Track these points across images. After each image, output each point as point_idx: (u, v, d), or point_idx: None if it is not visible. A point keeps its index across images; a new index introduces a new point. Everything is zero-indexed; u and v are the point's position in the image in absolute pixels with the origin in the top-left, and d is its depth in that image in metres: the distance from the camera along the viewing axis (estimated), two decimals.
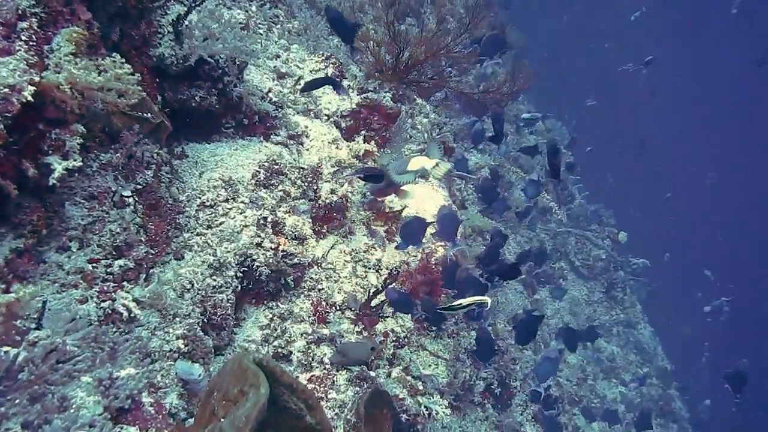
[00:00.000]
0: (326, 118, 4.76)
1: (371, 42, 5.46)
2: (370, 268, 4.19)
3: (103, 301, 2.58)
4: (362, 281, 4.08)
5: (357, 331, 3.84)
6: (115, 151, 2.76)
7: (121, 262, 2.72)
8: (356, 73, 5.41)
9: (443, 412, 4.03)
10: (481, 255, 5.18)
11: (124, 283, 2.72)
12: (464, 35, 5.73)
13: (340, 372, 3.56)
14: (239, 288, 3.39)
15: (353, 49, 4.39)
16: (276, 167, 3.79)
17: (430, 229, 4.29)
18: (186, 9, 3.27)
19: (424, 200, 4.95)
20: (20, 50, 2.24)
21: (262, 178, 3.69)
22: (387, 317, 4.06)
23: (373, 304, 3.92)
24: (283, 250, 3.60)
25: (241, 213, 3.45)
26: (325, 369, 3.53)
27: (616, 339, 11.08)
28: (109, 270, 2.66)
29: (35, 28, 2.31)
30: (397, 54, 5.48)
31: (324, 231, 4.13)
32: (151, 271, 2.92)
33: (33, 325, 2.18)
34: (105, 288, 2.61)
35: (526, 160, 9.83)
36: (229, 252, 3.29)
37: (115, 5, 2.91)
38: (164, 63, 3.30)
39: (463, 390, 5.04)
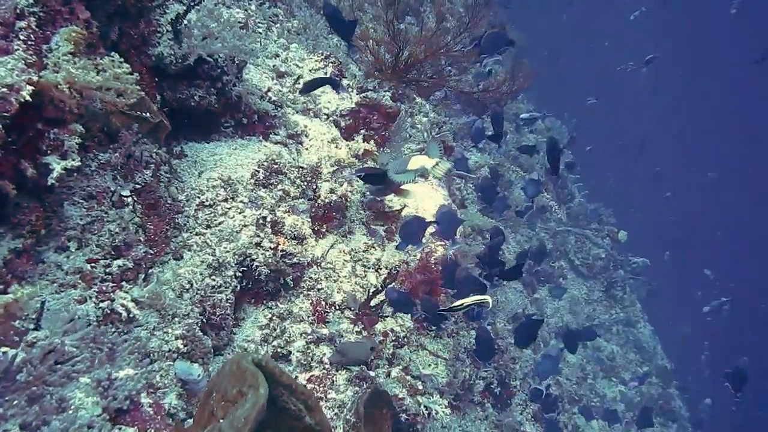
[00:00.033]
0: (326, 117, 4.76)
1: (371, 41, 5.45)
2: (369, 268, 4.19)
3: (102, 301, 2.57)
4: (362, 281, 4.08)
5: (356, 331, 3.83)
6: (114, 150, 2.75)
7: (119, 262, 2.71)
8: (356, 72, 5.40)
9: (443, 412, 4.03)
10: (480, 254, 5.17)
11: (123, 283, 2.71)
12: (464, 34, 5.72)
13: (339, 372, 3.55)
14: (238, 288, 3.39)
15: (351, 46, 4.38)
16: (275, 167, 3.78)
17: (430, 229, 4.28)
18: (185, 8, 3.26)
19: (423, 199, 4.94)
20: (18, 49, 2.23)
21: (261, 178, 3.68)
22: (386, 317, 4.05)
23: (372, 303, 3.91)
24: (282, 250, 3.59)
25: (240, 212, 3.45)
26: (324, 369, 3.53)
27: (615, 338, 11.08)
28: (107, 270, 2.65)
29: (33, 27, 2.31)
30: (397, 53, 5.47)
31: (323, 230, 4.12)
32: (150, 271, 2.91)
33: (31, 326, 2.18)
34: (104, 288, 2.60)
35: (525, 159, 9.83)
36: (228, 252, 3.28)
37: (114, 4, 2.90)
38: (163, 62, 3.29)
39: (462, 389, 5.04)
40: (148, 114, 2.91)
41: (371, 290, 3.92)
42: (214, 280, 3.18)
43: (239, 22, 3.78)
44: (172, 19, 3.25)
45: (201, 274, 3.13)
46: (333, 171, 4.24)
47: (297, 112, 4.51)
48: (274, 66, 4.69)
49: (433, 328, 4.45)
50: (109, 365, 2.28)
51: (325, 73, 4.97)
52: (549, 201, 10.43)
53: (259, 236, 3.47)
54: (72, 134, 2.38)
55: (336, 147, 4.40)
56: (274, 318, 3.60)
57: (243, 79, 3.90)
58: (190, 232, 3.27)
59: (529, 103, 11.91)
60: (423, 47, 5.57)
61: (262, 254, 3.45)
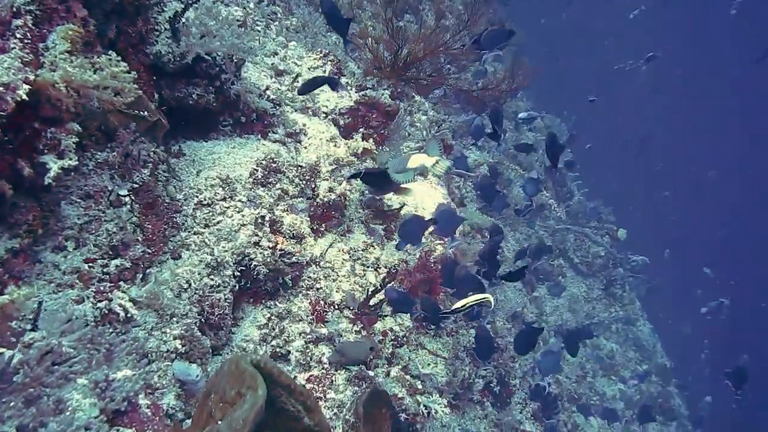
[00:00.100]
0: (324, 115, 4.74)
1: (369, 39, 5.44)
2: (368, 267, 4.17)
3: (100, 301, 2.56)
4: (361, 280, 4.06)
5: (356, 331, 3.82)
6: (112, 149, 2.73)
7: (117, 261, 2.70)
8: (354, 70, 5.39)
9: (442, 411, 4.02)
10: (480, 252, 5.16)
11: (121, 283, 2.70)
12: (463, 32, 5.71)
13: (338, 372, 3.54)
14: (237, 287, 3.37)
15: (347, 42, 4.37)
16: (274, 165, 3.77)
17: (430, 228, 4.26)
18: (183, 6, 3.25)
19: (422, 198, 4.93)
20: (15, 48, 2.22)
21: (259, 177, 3.66)
22: (386, 316, 4.04)
23: (371, 303, 3.90)
24: (281, 249, 3.58)
25: (238, 212, 3.43)
26: (323, 369, 3.51)
27: (615, 336, 11.08)
28: (105, 270, 2.64)
29: (30, 25, 2.29)
30: (396, 51, 5.46)
31: (322, 229, 4.11)
32: (147, 270, 2.90)
33: (28, 326, 2.16)
34: (101, 288, 2.59)
35: (524, 157, 9.82)
36: (226, 251, 3.27)
37: (112, 2, 2.89)
38: (161, 60, 3.28)
39: (462, 388, 5.03)
40: (145, 113, 2.90)
41: (370, 289, 3.91)
42: (212, 279, 3.17)
43: (237, 20, 3.77)
44: (170, 17, 3.24)
45: (199, 273, 3.11)
46: (332, 170, 4.22)
47: (296, 111, 4.50)
48: (272, 64, 4.67)
49: (433, 327, 4.44)
50: (107, 366, 2.27)
51: (324, 72, 4.96)
52: (548, 199, 10.42)
53: (257, 235, 3.45)
54: (69, 133, 2.36)
55: (335, 145, 4.39)
56: (272, 317, 3.58)
57: (241, 78, 3.89)
58: (189, 232, 3.26)
59: (528, 101, 11.89)
60: (422, 45, 5.56)
61: (260, 253, 3.44)
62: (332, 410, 3.38)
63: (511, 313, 7.72)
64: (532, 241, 9.18)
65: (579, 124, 16.02)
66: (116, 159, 2.74)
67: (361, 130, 4.84)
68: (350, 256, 4.13)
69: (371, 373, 3.70)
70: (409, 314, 4.13)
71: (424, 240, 4.43)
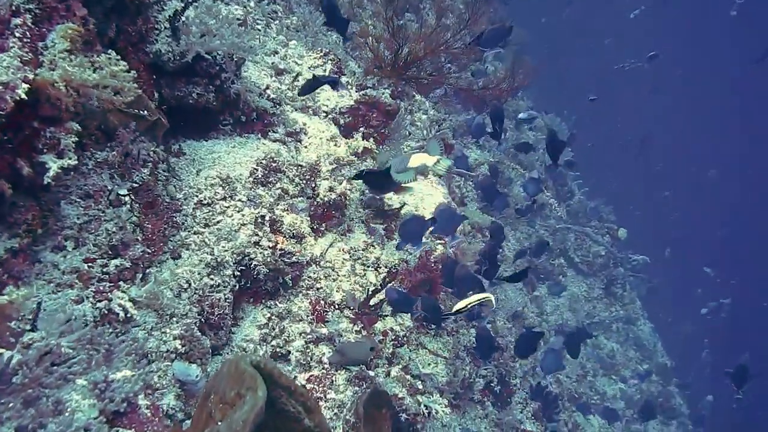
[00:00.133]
0: (325, 114, 4.73)
1: (370, 38, 5.42)
2: (369, 267, 4.16)
3: (99, 301, 2.55)
4: (361, 280, 4.05)
5: (356, 330, 3.80)
6: (111, 149, 2.73)
7: (117, 261, 2.69)
8: (355, 69, 5.38)
9: (443, 411, 4.01)
10: (481, 252, 5.15)
11: (121, 282, 2.69)
12: (464, 31, 5.70)
13: (339, 372, 3.53)
14: (237, 287, 3.36)
15: (346, 39, 4.36)
16: (274, 165, 3.76)
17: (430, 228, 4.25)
18: (183, 5, 3.24)
19: (423, 198, 4.92)
20: (14, 47, 2.21)
21: (259, 176, 3.65)
22: (386, 316, 4.03)
23: (372, 302, 3.89)
24: (281, 249, 3.56)
25: (238, 211, 3.42)
26: (323, 369, 3.50)
27: (615, 335, 11.08)
28: (105, 270, 2.63)
29: (29, 24, 2.28)
30: (396, 50, 5.45)
31: (322, 229, 4.10)
32: (147, 270, 2.89)
33: (28, 327, 2.15)
34: (101, 288, 2.58)
35: (525, 156, 9.81)
36: (226, 251, 3.26)
37: (112, 1, 2.87)
38: (161, 59, 3.27)
39: (462, 388, 5.02)
40: (145, 112, 2.89)
41: (371, 289, 3.90)
42: (212, 279, 3.16)
43: (238, 19, 3.76)
44: (170, 15, 3.22)
45: (199, 273, 3.10)
46: (332, 169, 4.21)
47: (296, 110, 4.49)
48: (272, 63, 4.66)
49: (433, 327, 4.43)
50: (106, 367, 2.26)
51: (324, 70, 4.94)
52: (549, 199, 10.42)
53: (257, 235, 3.44)
54: (68, 132, 2.36)
55: (335, 145, 4.38)
56: (272, 317, 3.57)
57: (241, 77, 3.88)
58: (188, 231, 3.25)
59: (528, 101, 11.88)
60: (423, 44, 5.55)
61: (260, 253, 3.43)
62: (332, 410, 3.38)
63: (511, 312, 7.71)
64: (532, 240, 9.17)
65: (579, 124, 16.01)
66: (116, 158, 2.73)
67: (361, 129, 4.83)
68: (350, 256, 4.12)
69: (371, 373, 3.70)
70: (409, 314, 4.12)
71: (424, 240, 4.42)
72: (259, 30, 4.96)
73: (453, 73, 6.40)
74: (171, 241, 3.15)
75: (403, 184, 4.17)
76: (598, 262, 10.93)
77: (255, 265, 3.41)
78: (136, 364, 2.50)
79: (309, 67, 4.89)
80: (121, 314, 2.60)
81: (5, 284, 2.27)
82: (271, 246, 3.50)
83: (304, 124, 4.35)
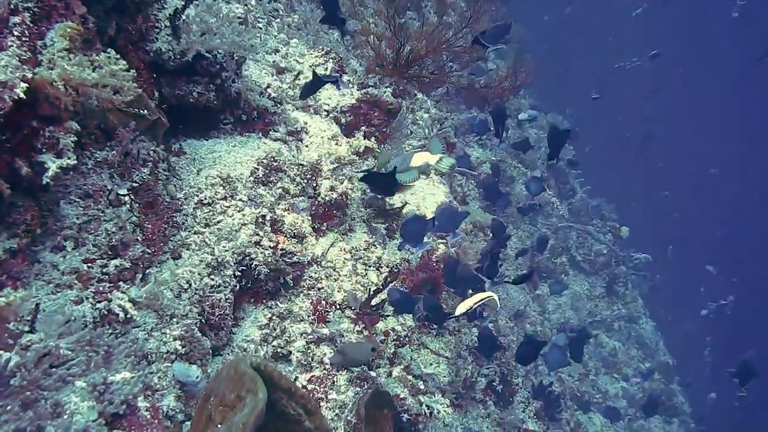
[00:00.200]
0: (326, 113, 4.71)
1: (371, 36, 5.40)
2: (370, 266, 4.15)
3: (99, 301, 2.53)
4: (363, 279, 4.04)
5: (357, 331, 3.79)
6: (111, 148, 2.71)
7: (117, 261, 2.67)
8: (356, 68, 5.36)
9: (444, 411, 3.99)
10: (482, 251, 5.13)
11: (120, 283, 2.68)
12: (465, 29, 5.68)
13: (340, 372, 3.51)
14: (237, 287, 3.34)
15: (344, 33, 4.33)
16: (275, 164, 3.74)
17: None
18: (183, 3, 3.22)
19: (425, 197, 4.90)
20: (12, 46, 2.19)
21: (260, 176, 3.64)
22: (388, 316, 4.01)
23: (373, 302, 3.87)
24: (282, 249, 3.55)
25: (239, 211, 3.40)
26: (325, 369, 3.49)
27: (617, 334, 11.08)
28: (104, 270, 2.62)
29: (28, 23, 2.26)
30: (398, 48, 5.43)
31: (323, 229, 4.08)
32: (147, 270, 2.88)
33: (26, 328, 2.14)
34: (101, 288, 2.56)
35: (527, 154, 9.80)
36: (227, 251, 3.24)
37: None
38: (161, 58, 3.25)
39: (464, 387, 5.00)
40: (145, 111, 2.87)
41: (372, 289, 3.88)
42: (212, 279, 3.14)
43: (238, 18, 3.74)
44: (170, 14, 3.21)
45: (199, 273, 3.09)
46: (333, 168, 4.19)
47: (297, 109, 4.47)
48: (273, 62, 4.64)
49: (435, 326, 4.42)
50: (105, 368, 2.24)
51: (326, 69, 4.92)
52: (551, 197, 10.40)
53: (258, 235, 3.42)
54: (67, 132, 2.34)
55: (336, 144, 4.36)
56: (273, 317, 3.55)
57: (242, 75, 3.86)
58: (189, 231, 3.23)
59: (530, 99, 11.86)
60: (424, 42, 5.52)
61: (261, 253, 3.41)
62: (334, 411, 3.36)
63: (513, 311, 7.70)
64: (533, 239, 9.16)
65: (581, 122, 16.00)
66: (116, 158, 2.71)
67: (362, 128, 4.81)
68: (352, 256, 4.10)
69: (373, 374, 3.68)
70: (411, 314, 4.10)
71: (426, 239, 4.40)
72: (260, 28, 4.94)
73: (455, 72, 6.38)
74: (171, 241, 3.13)
75: (405, 184, 4.15)
76: (600, 260, 10.92)
77: (256, 265, 3.39)
78: (135, 365, 2.48)
79: (310, 66, 4.87)
80: (121, 315, 2.59)
81: (4, 285, 2.26)
82: (272, 246, 3.48)
83: (305, 123, 4.34)
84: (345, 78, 4.99)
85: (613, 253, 11.10)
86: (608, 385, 9.87)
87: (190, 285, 3.02)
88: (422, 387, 4.00)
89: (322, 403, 3.38)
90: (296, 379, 3.41)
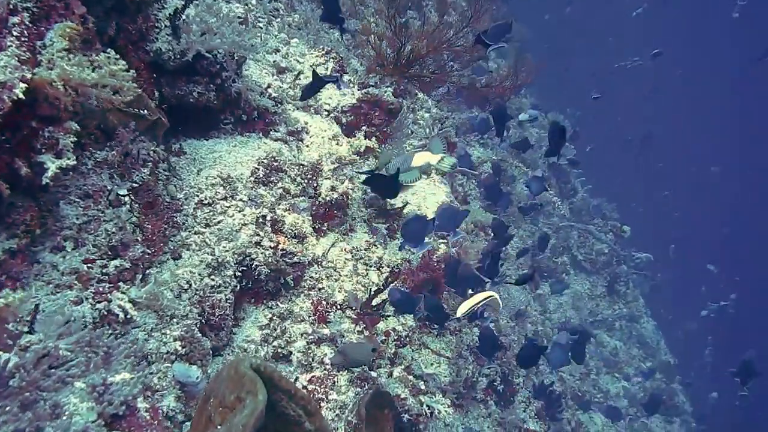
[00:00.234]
0: (326, 113, 4.70)
1: (372, 35, 5.39)
2: (371, 266, 4.14)
3: (99, 302, 2.53)
4: (363, 279, 4.03)
5: (358, 331, 3.78)
6: (111, 148, 2.70)
7: (116, 262, 2.66)
8: (357, 68, 5.35)
9: (445, 411, 3.99)
10: (484, 250, 5.12)
11: (120, 283, 2.67)
12: (466, 29, 5.67)
13: (341, 373, 3.50)
14: (238, 287, 3.34)
15: (343, 30, 4.32)
16: (275, 164, 3.73)
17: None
18: (183, 3, 3.22)
19: (425, 197, 4.89)
20: (12, 46, 2.19)
21: (261, 176, 3.63)
22: (388, 316, 4.00)
23: (374, 303, 3.87)
24: (282, 249, 3.54)
25: (239, 211, 3.40)
26: (325, 370, 3.48)
27: (618, 333, 11.07)
28: (104, 270, 2.61)
29: (27, 23, 2.26)
30: (399, 48, 5.42)
31: (324, 229, 4.07)
32: (147, 271, 2.87)
33: (25, 329, 2.13)
34: (100, 289, 2.56)
35: (528, 154, 9.79)
36: (227, 251, 3.23)
37: None
38: (161, 58, 3.25)
39: (465, 387, 5.00)
40: (145, 111, 2.87)
41: (373, 289, 3.87)
42: (213, 279, 3.14)
43: (239, 17, 3.73)
44: (170, 14, 3.20)
45: (200, 274, 3.08)
46: (334, 168, 4.18)
47: (297, 109, 4.46)
48: (274, 61, 4.64)
49: (436, 327, 4.41)
50: (105, 369, 2.23)
51: (326, 69, 4.91)
52: (552, 197, 10.39)
53: (258, 235, 3.42)
54: (67, 132, 2.33)
55: (337, 144, 4.35)
56: (274, 318, 3.55)
57: (242, 75, 3.85)
58: (189, 231, 3.22)
59: (531, 98, 11.85)
60: (425, 42, 5.51)
61: (261, 253, 3.40)
62: (334, 411, 3.36)
63: (515, 310, 7.69)
64: (534, 238, 9.16)
65: (581, 122, 16.00)
66: (115, 158, 2.71)
67: (363, 128, 4.79)
68: (353, 256, 4.09)
69: (374, 374, 3.67)
70: (412, 315, 4.09)
71: (427, 240, 4.39)
72: (261, 28, 4.93)
73: (456, 71, 6.37)
74: (171, 241, 3.13)
75: (406, 184, 4.15)
76: (602, 259, 10.91)
77: (256, 265, 3.39)
78: (135, 366, 2.48)
79: (311, 66, 4.86)
80: (121, 315, 2.58)
81: (3, 286, 2.26)
82: (272, 246, 3.47)
83: (306, 123, 4.33)
84: (346, 78, 4.98)
85: (614, 252, 11.09)
86: (609, 385, 9.87)
87: (191, 285, 3.01)
88: (423, 387, 3.99)
89: (322, 404, 3.37)
90: (297, 379, 3.40)
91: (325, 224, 4.07)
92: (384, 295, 3.87)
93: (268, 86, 4.19)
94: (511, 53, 8.41)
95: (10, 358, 1.96)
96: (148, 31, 3.18)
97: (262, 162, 3.67)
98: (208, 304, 3.08)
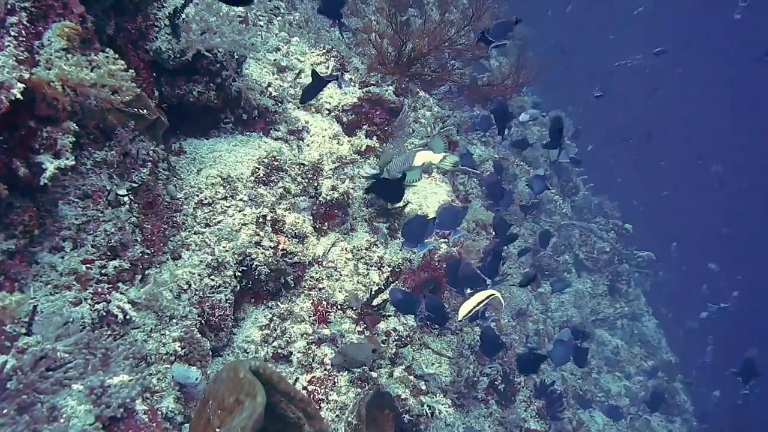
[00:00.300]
0: (327, 112, 4.69)
1: (373, 34, 5.38)
2: (372, 266, 4.12)
3: (98, 303, 2.52)
4: (364, 279, 4.01)
5: (359, 331, 3.76)
6: (110, 148, 2.69)
7: (116, 262, 2.65)
8: (358, 66, 5.33)
9: (446, 411, 3.97)
10: (485, 250, 5.11)
11: (119, 284, 2.66)
12: (468, 27, 5.65)
13: (341, 373, 3.49)
14: (238, 288, 3.32)
15: (341, 24, 4.30)
16: (276, 163, 3.72)
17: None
18: (183, 2, 3.20)
19: (426, 196, 4.88)
20: (9, 46, 2.18)
21: (261, 175, 3.62)
22: (389, 316, 3.99)
23: (375, 303, 3.85)
24: (282, 249, 3.52)
25: (239, 211, 3.38)
26: (326, 370, 3.47)
27: (620, 332, 11.07)
28: (103, 271, 2.60)
29: (25, 23, 2.25)
30: (400, 46, 5.40)
31: (325, 228, 4.06)
32: (147, 271, 2.86)
33: (23, 330, 2.12)
34: (99, 289, 2.55)
35: (529, 152, 9.77)
36: (227, 251, 3.22)
37: None
38: (161, 57, 3.24)
39: (466, 387, 4.99)
40: (145, 110, 2.85)
41: (374, 289, 3.86)
42: (213, 280, 3.13)
43: (239, 16, 3.72)
44: (170, 13, 3.19)
45: (199, 274, 3.07)
46: (335, 167, 4.17)
47: (298, 108, 4.45)
48: (275, 60, 4.62)
49: (437, 326, 4.39)
50: (103, 371, 2.22)
51: (327, 68, 4.89)
52: (554, 195, 10.38)
53: (259, 235, 3.40)
54: (66, 132, 2.32)
55: (338, 143, 4.34)
56: (274, 318, 3.53)
57: (243, 74, 3.84)
58: (189, 231, 3.22)
59: (533, 96, 11.82)
60: (426, 40, 5.50)
61: (262, 253, 3.39)
62: (335, 412, 3.35)
63: (516, 309, 7.68)
64: (536, 237, 9.15)
65: (582, 121, 15.98)
66: (115, 158, 2.69)
67: (364, 126, 4.78)
68: (353, 255, 4.08)
69: (374, 374, 3.66)
70: (413, 315, 4.08)
71: (428, 240, 4.38)
72: (261, 26, 4.92)
73: (457, 70, 6.36)
74: (171, 241, 3.12)
75: (408, 183, 4.13)
76: (603, 258, 10.90)
77: (256, 265, 3.37)
78: (133, 368, 2.46)
79: (312, 64, 4.85)
80: (120, 316, 2.57)
81: (2, 286, 2.24)
82: (272, 246, 3.46)
83: (307, 122, 4.31)
84: (347, 76, 4.97)
85: (616, 250, 11.08)
86: (611, 384, 9.86)
87: (190, 286, 3.01)
88: (424, 387, 3.97)
89: (323, 404, 3.36)
90: (297, 380, 3.39)
91: (326, 224, 4.06)
92: (385, 295, 3.85)
93: (269, 85, 4.17)
94: (513, 51, 8.40)
95: (8, 360, 1.95)
96: (147, 30, 3.17)
97: (263, 161, 3.65)
98: (207, 304, 3.07)
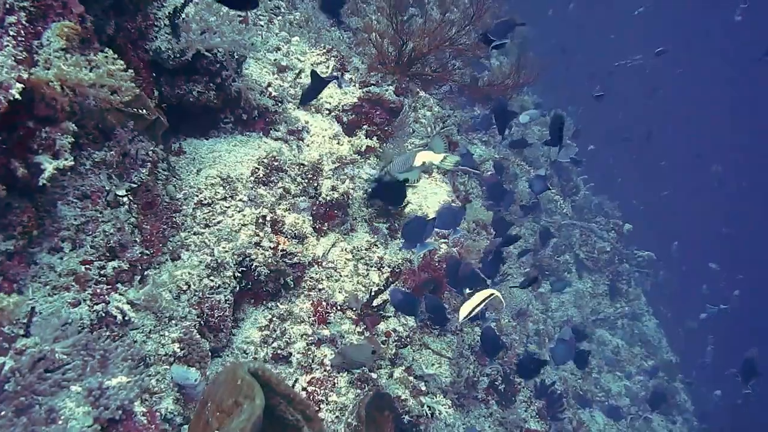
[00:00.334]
0: (327, 112, 4.68)
1: (374, 33, 5.37)
2: (372, 267, 4.11)
3: (97, 304, 2.51)
4: (364, 280, 4.00)
5: (358, 332, 3.76)
6: (109, 148, 2.68)
7: (115, 263, 2.64)
8: (358, 66, 5.32)
9: (446, 412, 3.96)
10: (486, 250, 5.11)
11: (119, 285, 2.65)
12: (468, 27, 5.64)
13: (341, 374, 3.48)
14: (237, 288, 3.32)
15: (340, 22, 4.29)
16: (275, 164, 3.71)
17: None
18: (183, 1, 3.19)
19: (427, 196, 4.87)
20: (8, 46, 2.16)
21: (261, 175, 3.61)
22: (389, 316, 3.98)
23: (375, 303, 3.84)
24: (282, 250, 3.51)
25: (239, 211, 3.37)
26: (325, 371, 3.46)
27: (620, 332, 11.06)
28: (102, 272, 2.59)
29: (24, 22, 2.23)
30: (400, 46, 5.39)
31: (325, 229, 4.05)
32: (146, 272, 2.85)
33: (21, 332, 2.11)
34: (98, 290, 2.54)
35: (530, 151, 9.77)
36: (227, 252, 3.22)
37: None
38: (161, 57, 3.23)
39: (466, 387, 4.98)
40: (144, 111, 2.84)
41: (374, 290, 3.85)
42: (212, 280, 3.12)
43: (239, 16, 3.71)
44: (169, 12, 3.18)
45: (199, 275, 3.06)
46: (335, 168, 4.16)
47: (298, 108, 4.43)
48: (275, 60, 4.61)
49: (437, 327, 4.39)
50: (101, 373, 2.21)
51: (327, 67, 4.88)
52: (554, 195, 10.37)
53: (258, 235, 3.39)
54: (64, 133, 2.31)
55: (338, 143, 4.33)
56: (274, 319, 3.53)
57: (243, 74, 3.83)
58: (188, 232, 3.21)
59: (534, 95, 11.81)
60: (427, 40, 5.49)
61: (261, 254, 3.38)
62: (334, 413, 3.34)
63: (516, 309, 7.68)
64: (536, 237, 9.14)
65: (583, 120, 15.97)
66: (114, 158, 2.68)
67: (364, 126, 4.77)
68: (353, 256, 4.07)
69: (374, 375, 3.65)
70: (414, 315, 4.07)
71: (428, 240, 4.37)
72: (261, 26, 4.90)
73: (458, 69, 6.34)
74: (170, 242, 3.11)
75: (408, 184, 4.13)
76: (604, 258, 10.89)
77: (256, 266, 3.37)
78: (132, 369, 2.45)
79: (312, 64, 4.84)
80: (119, 317, 2.56)
81: (0, 287, 2.23)
82: (272, 246, 3.45)
83: (307, 122, 4.30)
84: (347, 76, 4.96)
85: (616, 250, 11.08)
86: (611, 383, 9.86)
87: (189, 286, 3.00)
88: (424, 388, 3.97)
89: (322, 405, 3.35)
90: (296, 381, 3.38)
91: (326, 224, 4.05)
92: (385, 296, 3.85)
93: (269, 85, 4.16)
94: (513, 51, 8.39)
95: (6, 361, 1.94)
96: (147, 29, 3.17)
97: (263, 161, 3.64)
98: (207, 305, 3.07)
